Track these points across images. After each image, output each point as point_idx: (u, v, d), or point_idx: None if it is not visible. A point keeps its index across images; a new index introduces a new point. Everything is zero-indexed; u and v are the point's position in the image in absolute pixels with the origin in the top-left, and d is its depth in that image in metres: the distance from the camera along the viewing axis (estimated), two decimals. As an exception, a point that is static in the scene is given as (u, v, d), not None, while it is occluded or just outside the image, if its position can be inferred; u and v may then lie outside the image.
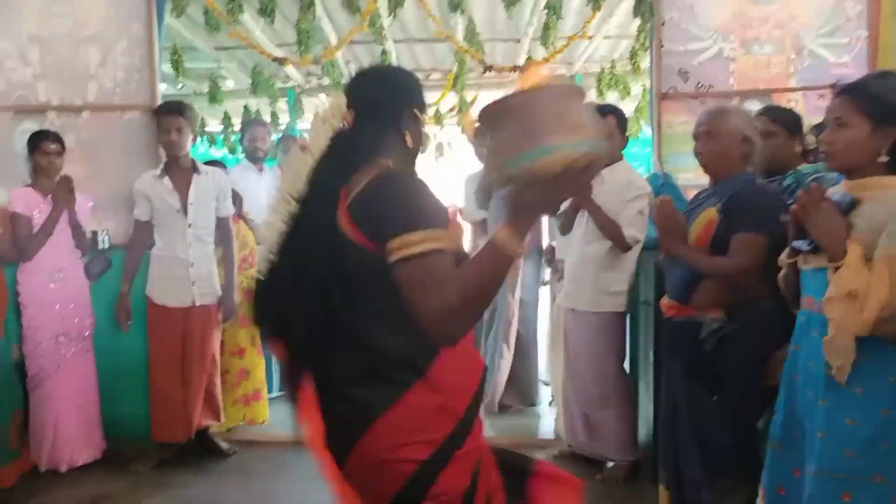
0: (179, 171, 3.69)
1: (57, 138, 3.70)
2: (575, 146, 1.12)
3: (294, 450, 3.94)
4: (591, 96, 7.08)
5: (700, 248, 2.46)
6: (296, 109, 8.07)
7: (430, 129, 9.09)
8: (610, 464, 3.45)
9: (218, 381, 3.90)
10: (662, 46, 4.02)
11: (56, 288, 3.64)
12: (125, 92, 4.02)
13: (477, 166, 5.12)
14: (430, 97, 7.93)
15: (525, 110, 1.14)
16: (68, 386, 3.65)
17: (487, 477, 1.51)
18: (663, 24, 4.02)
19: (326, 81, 7.61)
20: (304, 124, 8.67)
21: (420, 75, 8.33)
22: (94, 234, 3.89)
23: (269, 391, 4.58)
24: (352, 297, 1.41)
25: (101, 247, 3.88)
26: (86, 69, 4.00)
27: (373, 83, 1.59)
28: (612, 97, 6.45)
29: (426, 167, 10.11)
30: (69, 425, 3.63)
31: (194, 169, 3.74)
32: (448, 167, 10.06)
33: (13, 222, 3.58)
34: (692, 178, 3.93)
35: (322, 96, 8.61)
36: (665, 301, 2.61)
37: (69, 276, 3.70)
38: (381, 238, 1.38)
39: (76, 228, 3.71)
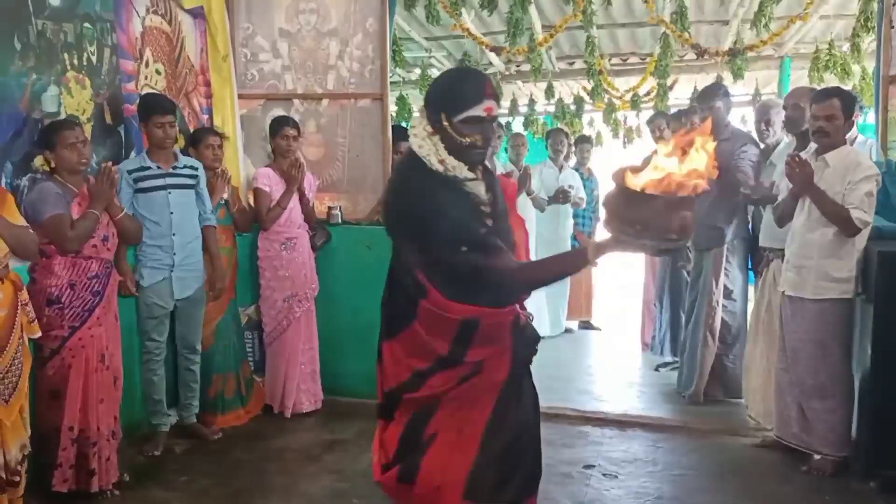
0: None
1: (295, 124, 4.14)
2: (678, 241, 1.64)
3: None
4: (803, 79, 6.75)
5: None
6: (496, 95, 8.35)
7: (624, 113, 9.07)
8: (817, 456, 3.37)
9: None
10: (893, 27, 3.80)
11: (287, 255, 4.10)
12: (359, 81, 4.45)
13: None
14: (629, 81, 7.93)
15: (657, 207, 1.59)
16: (297, 342, 4.13)
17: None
18: (895, 3, 3.80)
19: (526, 68, 7.83)
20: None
21: (618, 60, 8.35)
22: (329, 209, 4.37)
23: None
24: None
25: (335, 221, 4.36)
26: (326, 60, 4.48)
27: None
28: (829, 80, 6.12)
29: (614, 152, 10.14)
30: (296, 376, 4.12)
31: None
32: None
33: (256, 197, 4.08)
34: (917, 166, 3.71)
35: (519, 83, 8.84)
36: None
37: (298, 245, 4.14)
38: None
39: (305, 205, 4.15)
